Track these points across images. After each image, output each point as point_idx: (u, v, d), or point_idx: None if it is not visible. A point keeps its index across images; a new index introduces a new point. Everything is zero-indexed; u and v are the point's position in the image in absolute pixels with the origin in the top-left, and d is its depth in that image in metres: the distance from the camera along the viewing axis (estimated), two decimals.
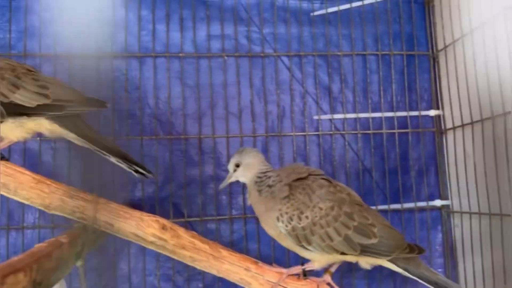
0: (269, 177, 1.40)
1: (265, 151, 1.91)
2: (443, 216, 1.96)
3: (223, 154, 1.90)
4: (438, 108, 2.00)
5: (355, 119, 1.97)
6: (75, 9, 1.56)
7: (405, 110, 1.99)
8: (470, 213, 1.77)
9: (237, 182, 1.49)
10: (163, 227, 1.32)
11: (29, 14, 1.88)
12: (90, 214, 1.30)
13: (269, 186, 1.38)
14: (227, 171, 1.49)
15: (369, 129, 1.96)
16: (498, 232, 1.58)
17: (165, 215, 1.38)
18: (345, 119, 1.97)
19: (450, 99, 1.90)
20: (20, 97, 1.34)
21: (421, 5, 2.06)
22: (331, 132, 1.96)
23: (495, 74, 1.59)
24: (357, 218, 1.33)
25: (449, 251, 1.93)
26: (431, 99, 2.02)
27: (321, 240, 1.30)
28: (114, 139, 1.84)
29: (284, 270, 1.38)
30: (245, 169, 1.43)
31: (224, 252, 1.36)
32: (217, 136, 1.90)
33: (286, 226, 1.32)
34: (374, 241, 1.32)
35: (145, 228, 1.32)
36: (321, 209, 1.32)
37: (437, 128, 2.00)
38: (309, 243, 1.31)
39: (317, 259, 1.37)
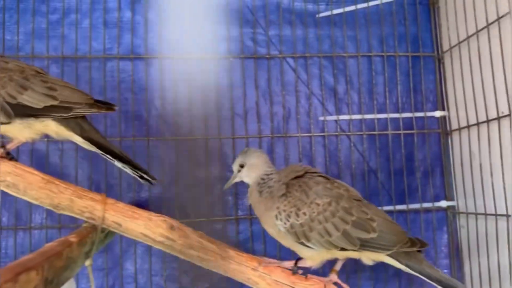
0: (271, 179, 1.41)
1: (270, 152, 1.92)
2: (448, 217, 1.96)
3: (229, 154, 1.91)
4: (443, 109, 2.00)
5: (360, 120, 1.98)
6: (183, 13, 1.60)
7: (410, 111, 1.99)
8: (476, 214, 1.77)
9: (243, 182, 1.50)
10: (171, 227, 1.33)
11: (36, 16, 1.89)
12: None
13: (269, 187, 1.39)
14: (232, 172, 1.50)
15: (375, 131, 1.97)
16: (504, 233, 1.58)
17: (171, 216, 1.38)
18: (350, 120, 1.97)
19: (455, 100, 1.90)
20: (28, 99, 1.35)
21: (426, 6, 2.06)
22: (336, 133, 1.96)
23: (501, 75, 1.59)
24: (355, 212, 1.33)
25: (455, 252, 1.93)
26: (437, 101, 2.02)
27: (320, 235, 1.31)
28: (121, 140, 1.85)
29: (275, 261, 1.39)
30: (250, 169, 1.44)
31: (232, 252, 1.37)
32: (223, 138, 1.91)
33: (285, 223, 1.33)
34: (373, 235, 1.32)
35: (153, 228, 1.32)
36: (318, 204, 1.33)
37: (443, 129, 2.00)
38: (308, 240, 1.32)
39: (312, 257, 1.38)
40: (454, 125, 1.94)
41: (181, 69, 1.93)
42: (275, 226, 1.36)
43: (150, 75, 1.92)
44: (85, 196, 1.33)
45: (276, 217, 1.34)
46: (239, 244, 1.86)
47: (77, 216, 1.33)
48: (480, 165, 1.73)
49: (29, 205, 1.79)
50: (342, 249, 1.33)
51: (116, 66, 1.90)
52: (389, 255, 1.36)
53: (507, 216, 1.56)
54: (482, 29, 1.70)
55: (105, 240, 1.47)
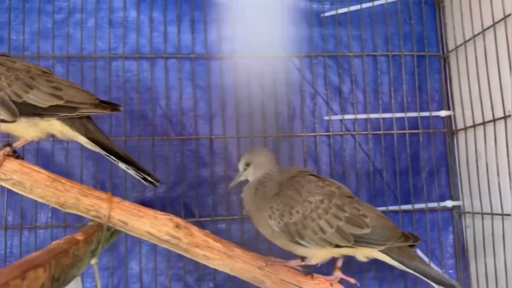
0: (271, 179, 1.41)
1: (275, 152, 1.91)
2: (454, 216, 1.95)
3: (234, 154, 1.91)
4: (448, 109, 2.00)
5: (365, 120, 1.97)
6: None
7: (415, 111, 1.99)
8: (482, 214, 1.76)
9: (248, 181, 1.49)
10: (177, 226, 1.32)
11: (42, 16, 1.90)
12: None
13: (265, 186, 1.39)
14: (238, 171, 1.50)
15: (380, 130, 1.96)
16: (510, 233, 1.58)
17: (176, 215, 1.38)
18: (355, 120, 1.97)
19: (461, 99, 1.89)
20: (33, 98, 1.35)
21: (431, 5, 2.06)
22: (341, 133, 1.96)
23: (507, 73, 1.59)
24: (348, 209, 1.34)
25: (461, 252, 1.92)
26: (442, 100, 2.01)
27: (314, 233, 1.31)
28: (126, 139, 1.85)
29: (281, 260, 1.39)
30: (256, 168, 1.43)
31: (238, 251, 1.37)
32: (227, 137, 1.91)
33: (279, 222, 1.33)
34: (367, 230, 1.33)
35: (159, 226, 1.32)
36: (310, 202, 1.33)
37: (448, 129, 1.99)
38: (302, 238, 1.32)
39: (314, 255, 1.38)
40: (460, 125, 1.93)
41: (186, 68, 1.94)
42: (269, 226, 1.35)
43: (155, 75, 1.92)
44: (91, 194, 1.33)
45: (270, 217, 1.34)
46: (244, 243, 1.85)
47: (83, 215, 1.33)
48: (486, 164, 1.72)
49: (35, 204, 1.79)
50: (337, 246, 1.34)
51: (121, 66, 1.91)
52: (382, 251, 1.37)
53: None
54: (488, 28, 1.69)
55: (111, 238, 1.47)
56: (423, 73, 2.01)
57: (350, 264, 1.60)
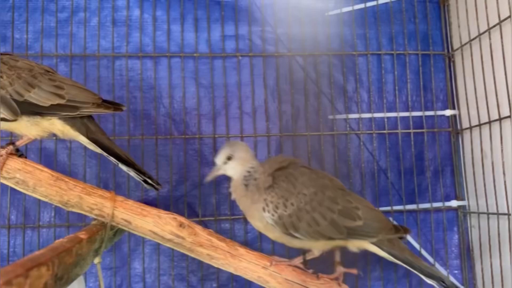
0: (256, 171, 1.38)
1: (279, 151, 1.91)
2: (459, 216, 1.94)
3: None
4: (453, 108, 1.99)
5: (370, 119, 1.96)
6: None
7: (420, 110, 1.97)
8: (488, 214, 1.74)
9: None
10: (181, 225, 1.32)
11: (45, 15, 1.90)
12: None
13: (255, 179, 1.37)
14: (215, 165, 1.44)
15: (384, 129, 1.95)
16: None
17: (179, 214, 1.37)
18: (360, 119, 1.96)
19: (466, 99, 1.88)
20: (34, 96, 1.34)
21: (436, 4, 2.05)
22: (346, 132, 1.95)
23: None
24: (340, 201, 1.34)
25: (466, 252, 1.91)
26: (447, 99, 2.00)
27: (308, 225, 1.31)
28: (129, 139, 1.85)
29: (285, 260, 1.38)
30: (237, 162, 1.39)
31: (242, 250, 1.36)
32: (231, 136, 1.90)
33: (273, 215, 1.32)
34: (359, 223, 1.33)
35: (162, 225, 1.31)
36: (305, 195, 1.32)
37: (453, 128, 1.98)
38: (296, 230, 1.31)
39: (314, 246, 1.38)
40: (465, 124, 1.92)
41: (189, 67, 1.93)
42: (263, 218, 1.34)
43: (159, 74, 1.91)
44: (94, 193, 1.32)
45: (264, 209, 1.33)
46: (247, 243, 1.85)
47: (86, 214, 1.33)
48: (492, 163, 1.70)
49: (38, 203, 1.79)
50: (330, 238, 1.33)
51: (125, 65, 1.90)
52: (373, 243, 1.37)
53: None
54: (494, 26, 1.68)
55: (114, 238, 1.46)
56: (428, 72, 2.00)
57: (354, 264, 1.58)
